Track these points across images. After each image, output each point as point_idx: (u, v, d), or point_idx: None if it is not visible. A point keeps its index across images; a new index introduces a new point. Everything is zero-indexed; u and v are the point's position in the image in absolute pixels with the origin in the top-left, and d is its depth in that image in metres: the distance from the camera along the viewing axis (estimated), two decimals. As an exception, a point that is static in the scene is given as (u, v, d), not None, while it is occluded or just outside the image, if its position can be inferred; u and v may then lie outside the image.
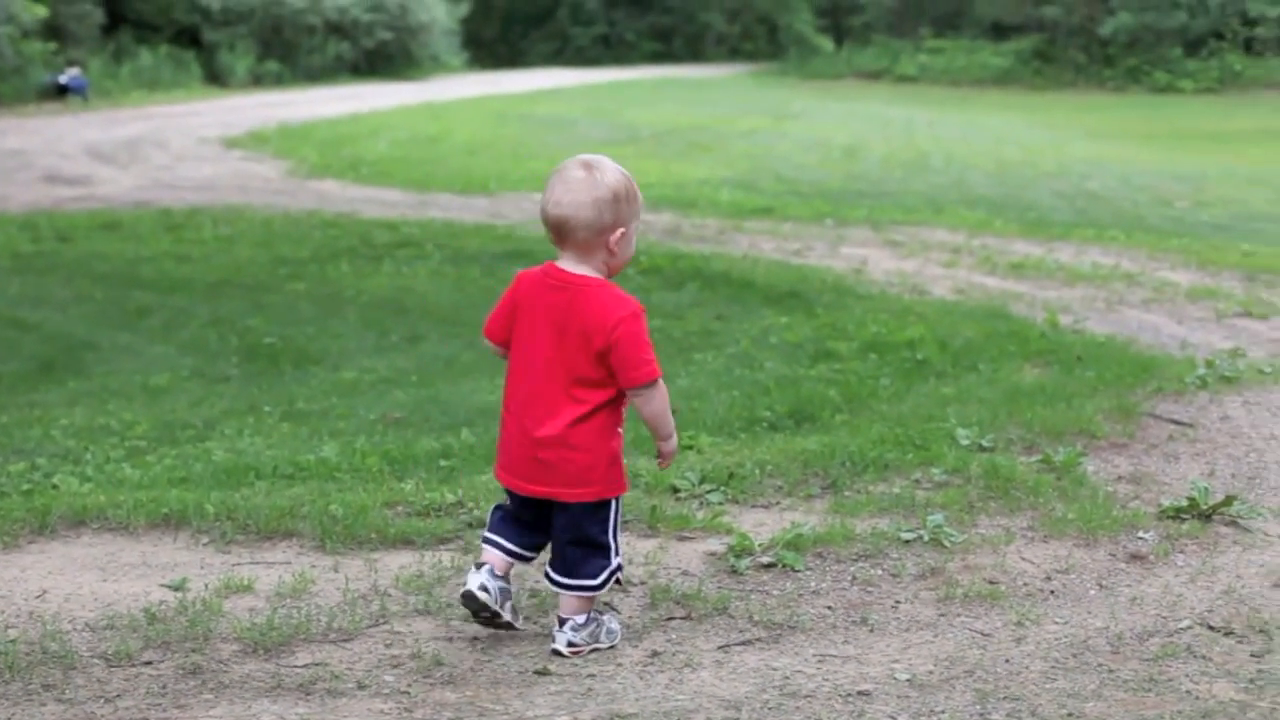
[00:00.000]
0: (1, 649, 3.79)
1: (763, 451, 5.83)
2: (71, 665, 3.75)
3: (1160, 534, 4.89)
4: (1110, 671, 3.79)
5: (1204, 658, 3.89)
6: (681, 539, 4.83)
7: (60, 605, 4.17)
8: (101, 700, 3.56)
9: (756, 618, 4.14)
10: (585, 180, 3.73)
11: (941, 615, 4.20)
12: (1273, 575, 4.55)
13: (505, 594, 3.87)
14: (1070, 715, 3.53)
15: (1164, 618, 4.18)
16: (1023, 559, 4.67)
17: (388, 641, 3.95)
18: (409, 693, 3.62)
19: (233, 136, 24.69)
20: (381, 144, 23.51)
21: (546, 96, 37.74)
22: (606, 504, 3.84)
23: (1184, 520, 5.01)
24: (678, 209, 15.76)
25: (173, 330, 10.51)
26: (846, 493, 5.36)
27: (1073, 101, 41.13)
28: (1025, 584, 4.45)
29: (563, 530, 3.85)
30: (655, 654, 3.90)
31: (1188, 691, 3.67)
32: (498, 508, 4.01)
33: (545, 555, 4.00)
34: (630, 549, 4.64)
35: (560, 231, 3.76)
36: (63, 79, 32.72)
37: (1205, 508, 5.05)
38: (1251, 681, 3.74)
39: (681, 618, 4.15)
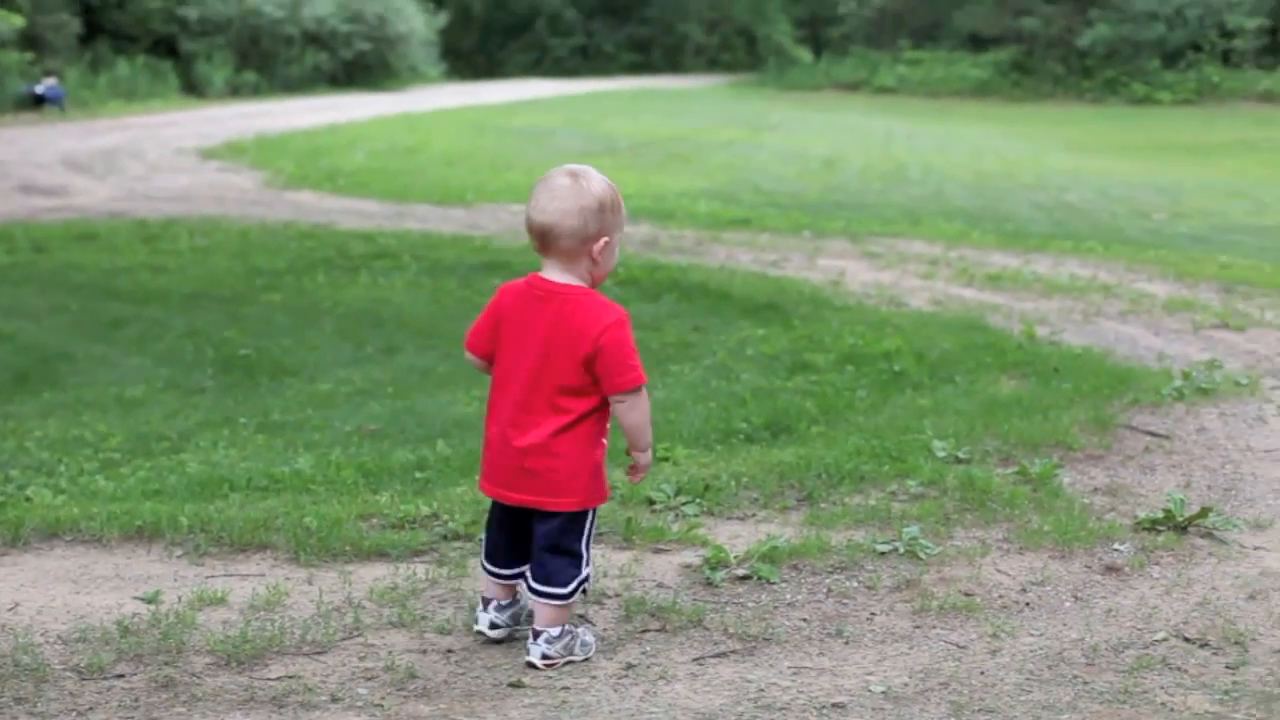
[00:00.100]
0: (-28, 662, 3.77)
1: (739, 463, 5.83)
2: (44, 678, 3.72)
3: (1136, 546, 4.90)
4: (1085, 683, 3.79)
5: (1179, 669, 3.90)
6: (657, 551, 4.82)
7: (32, 618, 4.14)
8: (74, 713, 3.54)
9: (731, 630, 4.13)
10: (571, 188, 3.74)
11: (917, 627, 4.20)
12: (1248, 587, 4.56)
13: (516, 617, 4.03)
14: (1045, 727, 3.53)
15: (1139, 629, 4.19)
16: (998, 571, 4.67)
17: (362, 654, 3.94)
18: (383, 705, 3.61)
19: (210, 147, 24.59)
20: (359, 155, 23.46)
21: (525, 107, 37.76)
22: (586, 514, 3.86)
23: (1160, 532, 5.02)
24: (656, 220, 15.76)
25: (148, 342, 10.46)
26: (822, 505, 5.36)
27: (1051, 113, 41.36)
28: (1001, 596, 4.46)
29: (543, 538, 3.85)
30: (630, 666, 3.89)
31: (1163, 703, 3.67)
32: (487, 531, 4.03)
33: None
34: (605, 561, 4.64)
35: (545, 239, 3.77)
36: (39, 89, 32.58)
37: (1181, 519, 5.06)
38: (1226, 693, 3.75)
39: (656, 630, 4.14)
